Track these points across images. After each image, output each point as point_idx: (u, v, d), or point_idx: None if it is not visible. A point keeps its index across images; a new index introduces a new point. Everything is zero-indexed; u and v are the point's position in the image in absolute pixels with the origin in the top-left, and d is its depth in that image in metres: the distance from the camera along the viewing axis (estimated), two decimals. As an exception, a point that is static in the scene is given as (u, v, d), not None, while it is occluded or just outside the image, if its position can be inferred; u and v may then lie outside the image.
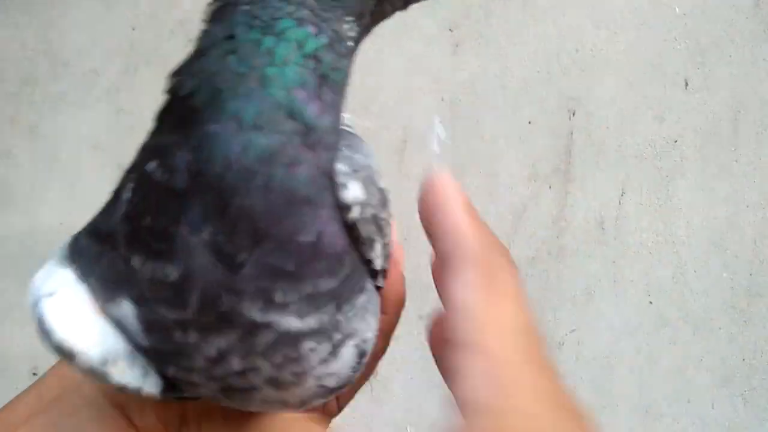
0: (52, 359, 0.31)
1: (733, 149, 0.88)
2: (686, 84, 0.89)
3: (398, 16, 0.28)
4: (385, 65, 0.87)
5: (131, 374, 0.26)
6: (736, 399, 0.96)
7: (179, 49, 0.24)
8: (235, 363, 0.25)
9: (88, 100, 0.87)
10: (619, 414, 0.94)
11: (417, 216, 0.28)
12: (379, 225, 0.27)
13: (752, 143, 0.89)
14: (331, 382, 0.27)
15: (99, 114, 0.86)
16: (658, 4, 0.91)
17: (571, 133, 0.87)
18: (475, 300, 0.26)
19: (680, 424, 0.95)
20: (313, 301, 0.25)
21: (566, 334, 0.90)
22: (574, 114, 0.87)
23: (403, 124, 0.86)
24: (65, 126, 0.87)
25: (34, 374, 0.84)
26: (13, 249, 0.86)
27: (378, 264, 0.28)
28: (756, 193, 0.91)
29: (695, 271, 0.91)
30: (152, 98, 0.25)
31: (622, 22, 0.90)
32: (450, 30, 0.88)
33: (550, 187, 0.86)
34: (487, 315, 0.25)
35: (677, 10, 0.90)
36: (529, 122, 0.87)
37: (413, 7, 0.28)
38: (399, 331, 0.34)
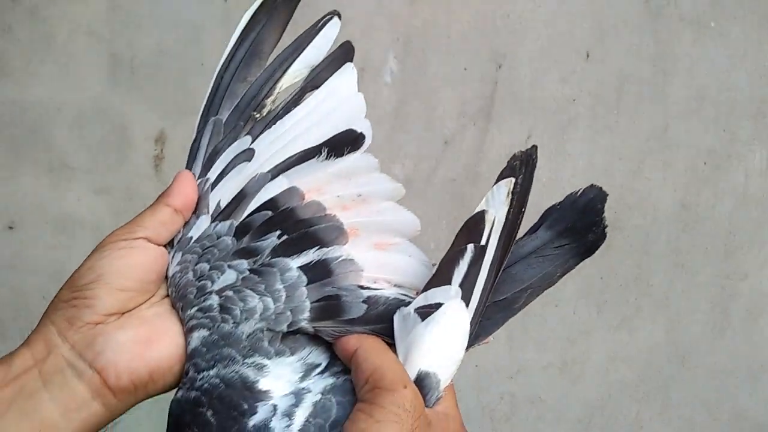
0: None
1: (615, 112, 1.06)
2: (587, 55, 1.04)
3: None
4: (355, 3, 0.98)
5: None
6: (591, 308, 1.14)
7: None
8: None
9: (87, -8, 0.94)
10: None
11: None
12: None
13: (630, 110, 1.06)
14: None
15: (97, 4, 0.93)
16: (575, -12, 1.05)
17: (496, 83, 1.03)
18: None
19: (548, 323, 1.14)
20: None
21: (472, 243, 1.09)
22: (500, 67, 1.03)
23: (363, 56, 0.98)
24: (64, 11, 0.93)
25: (10, 227, 0.94)
26: (4, 116, 0.93)
27: None
28: (628, 149, 1.08)
29: (575, 205, 1.12)
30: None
31: (546, -2, 1.05)
32: (411, -18, 1.01)
33: (474, 124, 1.03)
34: None
35: (588, -6, 1.06)
36: (465, 68, 1.02)
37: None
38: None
